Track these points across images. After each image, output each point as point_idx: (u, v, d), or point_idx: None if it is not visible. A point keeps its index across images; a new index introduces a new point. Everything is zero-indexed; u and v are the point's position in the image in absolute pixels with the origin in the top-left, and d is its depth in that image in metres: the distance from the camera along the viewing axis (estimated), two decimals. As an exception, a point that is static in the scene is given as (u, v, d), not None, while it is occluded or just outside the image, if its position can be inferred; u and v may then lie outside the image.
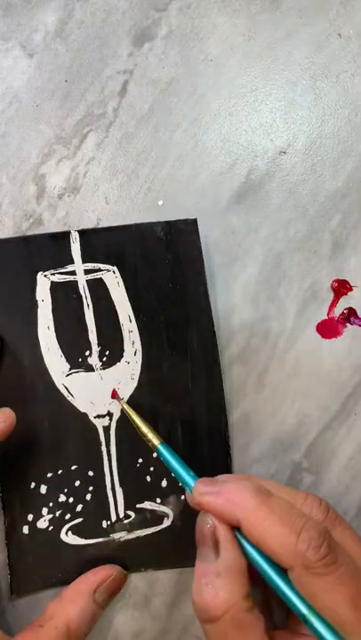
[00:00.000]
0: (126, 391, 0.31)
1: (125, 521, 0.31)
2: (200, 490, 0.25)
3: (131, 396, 0.31)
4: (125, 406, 0.29)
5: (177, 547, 0.31)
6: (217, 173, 0.34)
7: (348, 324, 0.34)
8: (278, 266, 0.34)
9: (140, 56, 0.34)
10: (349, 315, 0.34)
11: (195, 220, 0.31)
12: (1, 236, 0.33)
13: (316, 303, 0.34)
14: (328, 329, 0.34)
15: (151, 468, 0.31)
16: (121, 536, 0.31)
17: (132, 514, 0.31)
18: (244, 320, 0.33)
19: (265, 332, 0.33)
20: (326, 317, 0.34)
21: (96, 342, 0.31)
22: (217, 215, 0.33)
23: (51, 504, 0.30)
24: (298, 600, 0.22)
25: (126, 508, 0.31)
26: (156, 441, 0.28)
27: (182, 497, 0.31)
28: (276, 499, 0.23)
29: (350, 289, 0.34)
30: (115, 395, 0.30)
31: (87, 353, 0.31)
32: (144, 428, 0.28)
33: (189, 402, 0.31)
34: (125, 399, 0.31)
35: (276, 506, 0.23)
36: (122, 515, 0.31)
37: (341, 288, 0.34)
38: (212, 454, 0.31)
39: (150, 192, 0.33)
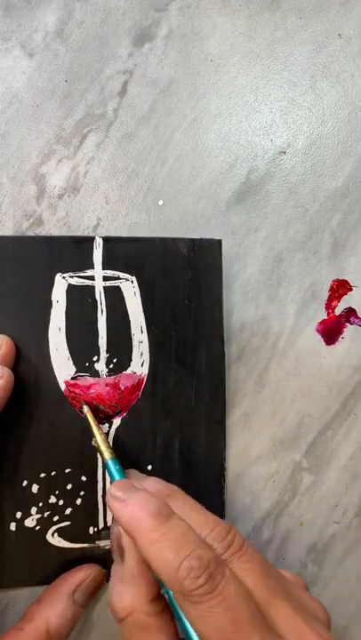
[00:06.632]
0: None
1: None
2: (112, 493, 0.25)
3: (133, 406, 0.31)
4: (88, 413, 0.29)
5: None
6: (217, 173, 0.34)
7: (348, 324, 0.34)
8: (278, 266, 0.34)
9: (140, 56, 0.34)
10: (349, 315, 0.34)
11: (219, 242, 0.32)
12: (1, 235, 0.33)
13: (316, 303, 0.34)
14: (328, 329, 0.34)
15: None
16: (106, 544, 0.31)
17: None
18: (244, 320, 0.33)
19: (265, 332, 0.33)
20: (326, 317, 0.34)
21: (105, 348, 0.31)
22: (217, 215, 0.33)
23: (40, 504, 0.30)
24: (182, 620, 0.22)
25: None
26: (107, 454, 0.27)
27: None
28: (175, 522, 0.23)
29: (350, 289, 0.34)
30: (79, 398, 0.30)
31: (95, 358, 0.31)
32: (99, 439, 0.28)
33: (190, 419, 0.31)
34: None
35: (172, 530, 0.22)
36: (110, 523, 0.31)
37: (341, 288, 0.34)
38: (206, 474, 0.31)
39: (150, 192, 0.33)
